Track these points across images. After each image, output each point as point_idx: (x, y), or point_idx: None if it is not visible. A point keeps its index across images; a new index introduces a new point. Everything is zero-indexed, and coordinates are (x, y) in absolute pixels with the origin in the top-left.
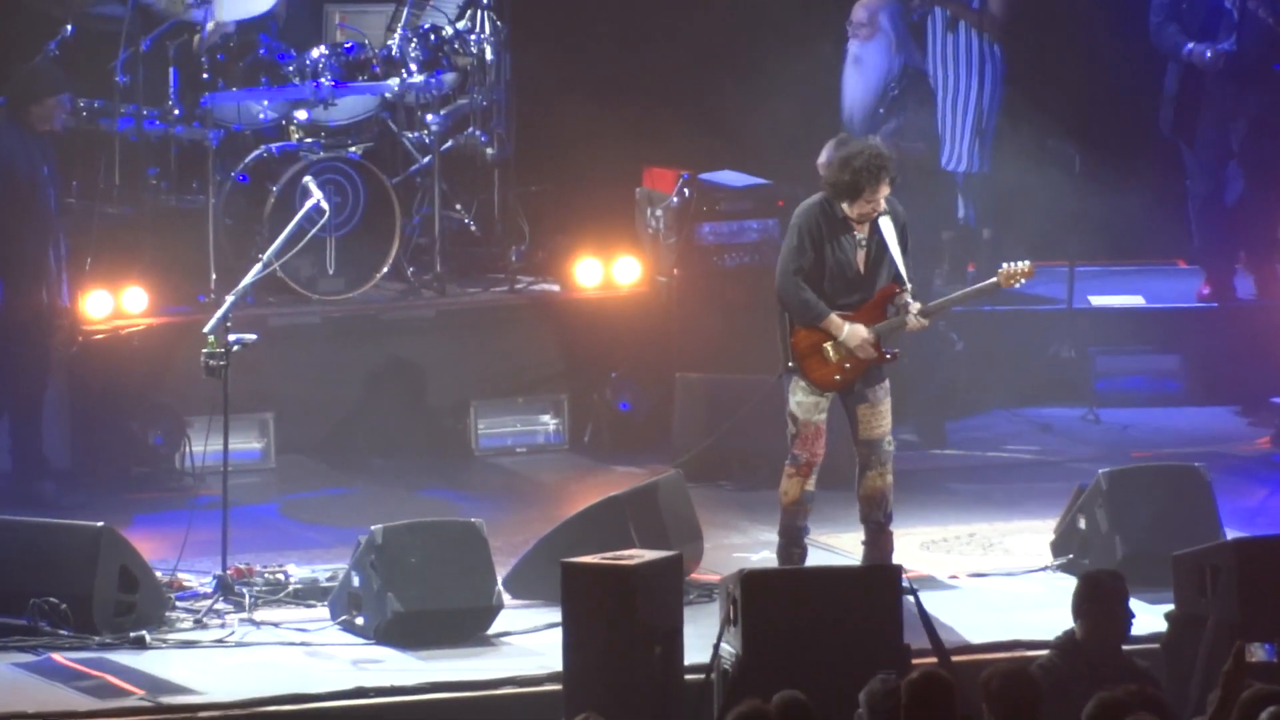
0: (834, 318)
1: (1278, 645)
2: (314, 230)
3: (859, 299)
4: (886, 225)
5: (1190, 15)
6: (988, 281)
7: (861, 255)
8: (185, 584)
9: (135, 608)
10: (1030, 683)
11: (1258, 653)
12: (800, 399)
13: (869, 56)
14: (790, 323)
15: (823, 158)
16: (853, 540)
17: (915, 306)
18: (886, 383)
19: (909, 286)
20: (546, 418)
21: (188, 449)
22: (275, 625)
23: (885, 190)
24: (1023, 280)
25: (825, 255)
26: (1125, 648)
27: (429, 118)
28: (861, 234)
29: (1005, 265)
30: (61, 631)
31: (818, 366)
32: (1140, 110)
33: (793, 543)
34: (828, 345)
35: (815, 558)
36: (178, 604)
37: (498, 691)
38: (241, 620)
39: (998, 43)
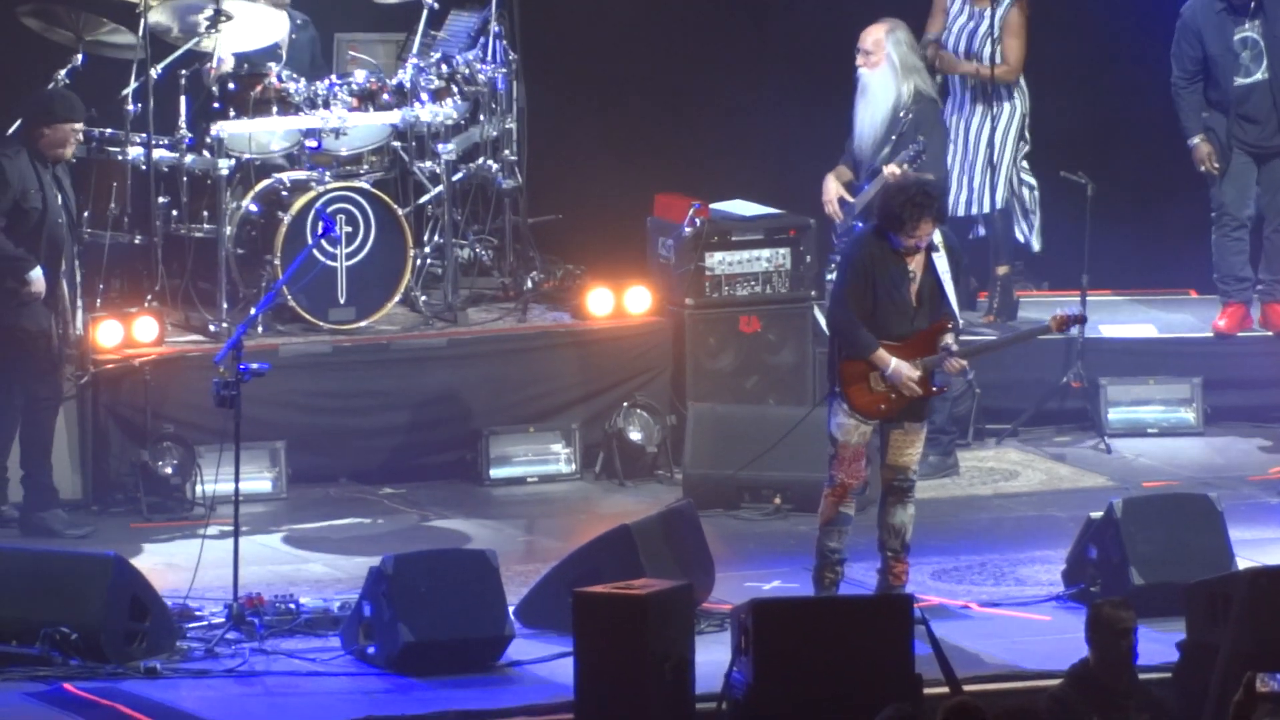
0: (881, 352)
1: None
2: (325, 260)
3: (909, 331)
4: (941, 260)
5: (1218, 53)
6: (1038, 325)
7: (913, 288)
8: (196, 613)
9: (146, 637)
10: None
11: (1269, 683)
12: (840, 420)
13: (875, 85)
14: (839, 348)
15: (826, 193)
16: (863, 570)
17: (955, 346)
18: (925, 421)
19: (961, 323)
20: (558, 447)
21: (199, 478)
22: (287, 655)
23: (927, 227)
24: (1074, 326)
25: (876, 286)
26: (1142, 677)
27: (440, 147)
28: (913, 266)
29: (1060, 311)
30: (72, 661)
31: (862, 394)
32: (1153, 140)
33: (827, 567)
34: (874, 374)
35: None
36: (188, 633)
37: None
38: (253, 650)
39: (1012, 88)
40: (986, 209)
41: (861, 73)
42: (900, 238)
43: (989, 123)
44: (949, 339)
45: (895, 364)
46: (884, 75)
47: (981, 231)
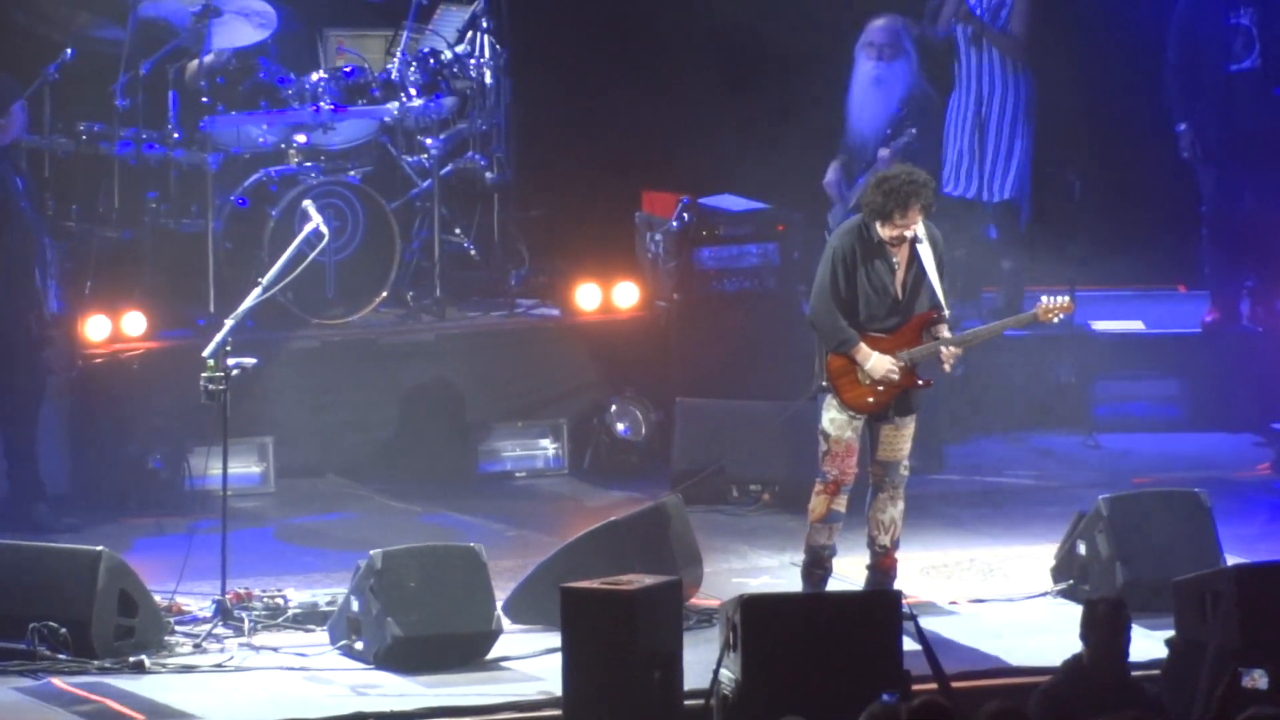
0: (862, 347)
1: (1277, 671)
2: (313, 254)
3: (896, 323)
4: (925, 251)
5: (1208, 37)
6: (1025, 314)
7: (898, 280)
8: (184, 608)
9: (134, 632)
10: None
11: (1257, 679)
12: (833, 415)
13: (892, 78)
14: (823, 342)
15: (829, 176)
16: (853, 564)
17: (947, 335)
18: (915, 414)
19: (946, 314)
20: (546, 442)
21: (187, 473)
22: (274, 650)
23: (916, 214)
24: (1061, 315)
25: (859, 280)
26: (1134, 674)
27: (428, 142)
28: (898, 258)
29: (1045, 299)
30: (61, 656)
31: (851, 388)
32: (1141, 135)
33: (816, 563)
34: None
35: None
36: (177, 628)
37: (497, 716)
38: (241, 645)
39: (1022, 68)
40: (998, 198)
41: (874, 65)
42: (889, 227)
43: (995, 105)
44: (941, 330)
45: (875, 359)
46: (902, 69)
47: (994, 234)
